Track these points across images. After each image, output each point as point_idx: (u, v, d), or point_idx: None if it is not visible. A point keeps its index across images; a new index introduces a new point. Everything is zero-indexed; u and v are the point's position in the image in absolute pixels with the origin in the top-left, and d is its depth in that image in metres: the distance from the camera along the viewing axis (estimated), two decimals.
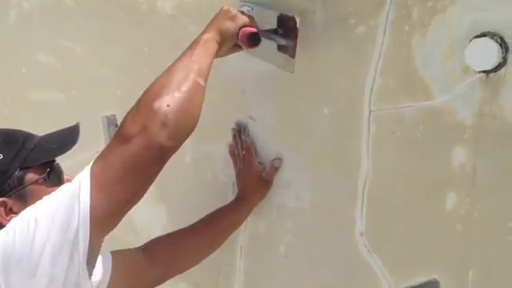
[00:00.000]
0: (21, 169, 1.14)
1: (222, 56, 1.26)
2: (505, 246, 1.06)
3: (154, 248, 1.32)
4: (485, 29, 1.04)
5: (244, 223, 1.50)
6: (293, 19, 1.28)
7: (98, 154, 1.05)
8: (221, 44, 1.20)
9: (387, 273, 1.24)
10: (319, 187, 1.35)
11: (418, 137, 1.15)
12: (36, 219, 1.01)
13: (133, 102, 1.73)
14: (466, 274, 1.11)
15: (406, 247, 1.21)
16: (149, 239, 1.36)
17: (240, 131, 1.48)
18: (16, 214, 1.11)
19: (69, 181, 1.21)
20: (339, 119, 1.29)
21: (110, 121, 1.82)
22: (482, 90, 1.06)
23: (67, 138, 1.23)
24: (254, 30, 1.22)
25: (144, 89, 1.69)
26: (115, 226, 1.08)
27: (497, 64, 1.03)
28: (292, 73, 1.30)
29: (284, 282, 1.44)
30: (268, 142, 1.43)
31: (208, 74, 1.16)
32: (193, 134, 1.62)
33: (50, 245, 0.99)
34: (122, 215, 1.08)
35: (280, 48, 1.31)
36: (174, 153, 1.06)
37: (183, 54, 1.16)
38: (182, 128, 1.07)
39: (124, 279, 1.24)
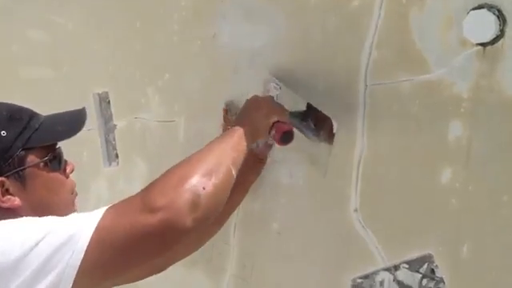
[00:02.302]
0: (23, 149, 1.10)
1: (253, 149, 1.24)
2: (499, 219, 1.06)
3: None
4: (482, 1, 1.03)
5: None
6: (329, 121, 1.25)
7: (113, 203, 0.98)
8: (254, 140, 1.19)
9: (381, 248, 1.23)
10: (313, 164, 1.34)
11: (413, 111, 1.15)
12: (26, 236, 0.95)
13: (125, 79, 1.73)
14: (460, 248, 1.11)
15: (401, 222, 1.20)
16: None
17: (227, 111, 1.47)
18: (12, 195, 1.09)
19: (70, 167, 1.19)
20: (334, 94, 1.27)
21: (102, 98, 1.81)
22: (479, 62, 1.05)
23: (74, 122, 1.19)
24: (286, 128, 1.21)
25: (136, 65, 1.69)
26: (105, 285, 1.00)
27: (494, 36, 1.02)
28: (323, 177, 1.28)
29: (277, 258, 1.43)
30: None
31: (239, 167, 1.12)
32: (186, 111, 1.62)
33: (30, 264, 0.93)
34: (108, 284, 1.00)
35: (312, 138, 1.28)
36: (188, 238, 0.98)
37: (220, 140, 1.13)
38: (208, 216, 1.01)
39: None
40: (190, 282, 1.61)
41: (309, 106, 1.29)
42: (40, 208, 1.09)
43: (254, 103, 1.24)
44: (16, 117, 1.12)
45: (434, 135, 1.12)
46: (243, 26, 1.42)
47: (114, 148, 1.80)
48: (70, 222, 0.98)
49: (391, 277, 1.22)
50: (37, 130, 1.12)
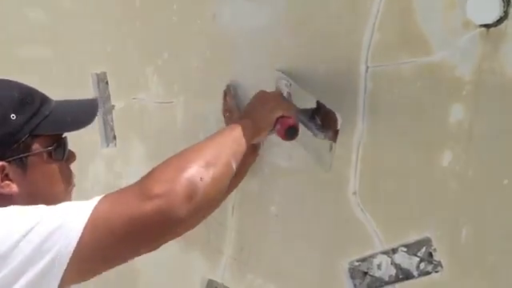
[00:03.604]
0: (30, 135, 1.07)
1: (255, 143, 1.23)
2: (499, 203, 1.05)
3: None
4: None
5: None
6: (333, 115, 1.23)
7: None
8: (257, 134, 1.17)
9: (380, 231, 1.23)
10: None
11: (415, 93, 1.13)
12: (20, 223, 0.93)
13: (123, 59, 1.72)
14: (459, 231, 1.10)
15: (400, 206, 1.20)
16: None
17: (226, 93, 1.45)
18: (11, 181, 1.06)
19: (73, 158, 1.17)
20: (335, 76, 1.26)
21: (100, 78, 1.79)
22: (482, 44, 1.04)
23: (84, 115, 1.16)
24: (291, 122, 1.19)
25: (135, 45, 1.67)
26: (92, 276, 0.99)
27: (498, 18, 1.00)
28: (327, 172, 1.27)
29: (275, 241, 1.43)
30: None
31: (240, 160, 1.10)
32: (185, 92, 1.60)
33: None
34: (99, 272, 0.99)
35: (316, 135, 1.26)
36: (183, 227, 0.98)
37: (222, 133, 1.12)
38: (204, 207, 1.00)
39: None
40: (187, 264, 1.61)
41: (318, 103, 1.27)
42: (36, 197, 1.07)
43: (261, 98, 1.23)
44: (27, 100, 1.08)
45: (435, 118, 1.11)
46: (243, 6, 1.41)
47: (112, 129, 1.79)
48: (63, 209, 0.96)
49: (389, 260, 1.22)
50: (47, 117, 1.09)
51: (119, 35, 1.71)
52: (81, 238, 0.91)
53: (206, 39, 1.50)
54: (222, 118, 1.49)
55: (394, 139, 1.19)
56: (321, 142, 1.27)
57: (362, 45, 1.19)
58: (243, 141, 1.12)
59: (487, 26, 1.02)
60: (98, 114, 1.78)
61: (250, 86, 1.41)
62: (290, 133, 1.20)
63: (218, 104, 1.50)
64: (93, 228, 0.92)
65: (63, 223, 0.92)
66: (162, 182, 0.95)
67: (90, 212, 0.93)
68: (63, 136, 1.14)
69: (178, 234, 0.99)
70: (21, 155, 1.06)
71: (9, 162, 1.05)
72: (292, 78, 1.30)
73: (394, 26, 1.15)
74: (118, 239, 0.93)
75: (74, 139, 1.83)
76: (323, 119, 1.27)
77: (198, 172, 0.98)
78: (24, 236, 0.91)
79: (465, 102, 1.07)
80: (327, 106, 1.26)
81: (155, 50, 1.62)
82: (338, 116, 1.24)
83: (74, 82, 1.81)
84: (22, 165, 1.07)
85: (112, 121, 1.79)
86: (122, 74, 1.74)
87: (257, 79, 1.41)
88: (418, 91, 1.13)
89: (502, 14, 1.00)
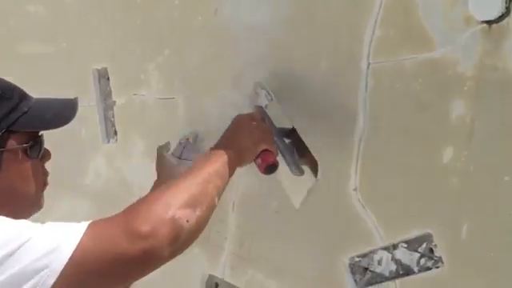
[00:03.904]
0: (6, 130, 1.04)
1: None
2: (500, 200, 1.05)
3: None
4: None
5: (237, 179, 1.49)
6: (313, 158, 1.28)
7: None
8: (239, 165, 1.18)
9: (380, 227, 1.23)
10: (314, 142, 1.33)
11: (416, 90, 1.13)
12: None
13: (124, 55, 1.71)
14: (459, 228, 1.10)
15: (400, 202, 1.20)
16: (140, 193, 1.34)
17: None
18: None
19: (48, 157, 1.14)
20: (337, 72, 1.26)
21: (101, 74, 1.79)
22: (484, 40, 1.04)
23: (63, 113, 1.14)
24: (273, 161, 1.22)
25: (136, 41, 1.67)
26: None
27: (500, 14, 1.01)
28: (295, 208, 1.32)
29: (276, 237, 1.43)
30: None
31: (221, 195, 1.11)
32: (185, 88, 1.60)
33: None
34: None
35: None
36: (162, 265, 0.97)
37: (208, 165, 1.10)
38: (187, 246, 1.01)
39: None
40: (187, 259, 1.60)
41: (293, 130, 1.31)
42: (8, 193, 1.05)
43: (246, 126, 1.22)
44: (7, 96, 1.06)
45: (436, 114, 1.11)
46: (245, 1, 1.40)
47: (113, 124, 1.79)
48: (50, 234, 0.92)
49: (389, 256, 1.22)
50: (25, 113, 1.07)
51: (120, 31, 1.71)
52: (63, 270, 0.89)
53: (207, 35, 1.50)
54: (223, 115, 1.49)
55: (395, 135, 1.19)
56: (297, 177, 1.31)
57: (363, 41, 1.19)
58: (227, 175, 1.13)
59: (489, 22, 1.02)
60: (98, 109, 1.80)
61: (250, 81, 1.42)
62: (270, 169, 1.23)
63: (218, 98, 1.50)
64: (78, 259, 0.90)
65: (51, 249, 0.90)
66: (148, 222, 0.94)
67: (79, 240, 0.91)
68: (40, 134, 1.13)
69: (152, 271, 0.99)
70: None
71: None
72: (272, 91, 1.34)
73: (395, 22, 1.15)
74: (100, 273, 0.93)
75: (74, 135, 1.83)
76: (300, 156, 1.31)
77: (184, 214, 0.98)
78: (8, 256, 0.89)
79: (466, 99, 1.07)
80: (303, 141, 1.30)
81: (156, 45, 1.62)
82: (317, 159, 1.29)
83: (74, 78, 1.81)
84: None
85: (113, 116, 1.79)
86: (123, 70, 1.74)
87: (255, 74, 1.41)
88: (419, 87, 1.13)
89: (504, 11, 1.01)
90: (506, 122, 1.04)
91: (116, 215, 0.97)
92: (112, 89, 1.77)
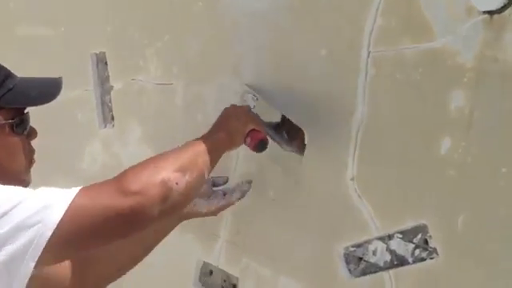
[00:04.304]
0: None
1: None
2: (497, 191, 1.05)
3: None
4: None
5: (234, 167, 1.49)
6: (301, 133, 1.31)
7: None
8: (231, 146, 1.24)
9: (376, 217, 1.23)
10: (312, 131, 1.33)
11: (416, 80, 1.13)
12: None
13: (123, 39, 1.70)
14: (455, 219, 1.10)
15: (397, 192, 1.20)
16: None
17: None
18: None
19: (34, 135, 1.17)
20: (337, 61, 1.26)
21: (100, 58, 1.78)
22: (485, 31, 1.03)
23: (48, 90, 1.17)
24: (262, 136, 1.27)
25: (135, 26, 1.66)
26: (59, 262, 1.07)
27: (502, 4, 1.00)
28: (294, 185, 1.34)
29: (272, 225, 1.43)
30: (260, 84, 1.40)
31: (211, 171, 1.17)
32: (184, 74, 1.59)
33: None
34: (72, 257, 1.08)
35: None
36: (150, 226, 1.04)
37: (198, 142, 1.16)
38: (175, 210, 1.06)
39: None
40: (182, 246, 1.61)
41: (283, 117, 1.34)
42: None
43: (233, 112, 1.28)
44: None
45: (435, 105, 1.11)
46: None
47: (110, 110, 1.78)
48: (43, 194, 0.99)
49: (384, 246, 1.22)
50: (10, 90, 1.10)
51: (120, 15, 1.69)
52: (60, 223, 0.94)
53: (207, 21, 1.49)
54: (222, 102, 1.49)
55: (393, 125, 1.18)
56: (288, 155, 1.35)
57: (364, 29, 1.19)
58: (217, 153, 1.19)
59: (491, 12, 1.02)
60: (96, 94, 1.79)
61: (250, 68, 1.41)
62: (261, 146, 1.28)
63: (215, 85, 1.50)
64: (72, 214, 0.95)
65: (45, 206, 0.95)
66: (139, 181, 0.99)
67: (71, 199, 0.96)
68: (26, 111, 1.15)
69: (144, 230, 1.04)
70: None
71: None
72: (259, 93, 1.36)
73: (397, 11, 1.14)
74: (93, 228, 0.97)
75: (70, 119, 1.83)
76: (289, 132, 1.34)
77: (174, 176, 1.03)
78: (4, 214, 0.94)
79: (466, 89, 1.07)
80: (293, 122, 1.33)
81: (156, 31, 1.61)
82: (305, 132, 1.30)
83: (73, 62, 1.80)
84: None
85: (110, 102, 1.78)
86: (122, 55, 1.73)
87: (256, 62, 1.40)
88: (419, 77, 1.13)
89: (506, 1, 1.00)
90: (505, 113, 1.04)
91: (107, 179, 1.03)
92: (110, 74, 1.76)
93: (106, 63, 1.76)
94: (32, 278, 0.95)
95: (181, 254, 1.56)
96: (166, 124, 1.64)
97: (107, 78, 1.76)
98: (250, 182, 1.38)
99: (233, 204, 1.38)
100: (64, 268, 1.23)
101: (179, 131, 1.60)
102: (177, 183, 1.03)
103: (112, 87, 1.76)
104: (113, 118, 1.78)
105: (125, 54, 1.71)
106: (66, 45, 1.85)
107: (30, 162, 1.17)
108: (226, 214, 1.51)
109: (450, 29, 1.07)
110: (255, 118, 1.31)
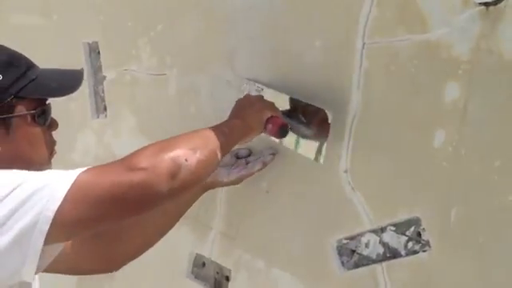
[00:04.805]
0: (15, 97, 1.08)
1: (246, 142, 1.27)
2: (490, 184, 1.05)
3: None
4: None
5: None
6: (321, 113, 1.26)
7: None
8: (248, 133, 1.23)
9: (369, 210, 1.22)
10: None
11: (411, 71, 1.12)
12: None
13: (116, 29, 1.69)
14: (448, 212, 1.10)
15: (390, 185, 1.19)
16: None
17: None
18: None
19: (55, 126, 1.18)
20: (331, 52, 1.25)
21: (92, 48, 1.77)
22: (480, 23, 1.02)
23: (69, 82, 1.18)
24: (282, 122, 1.25)
25: (128, 15, 1.64)
26: (69, 239, 1.08)
27: None
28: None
29: (265, 217, 1.42)
30: (256, 75, 1.39)
31: (225, 155, 1.16)
32: (178, 64, 1.58)
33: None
34: (82, 234, 1.06)
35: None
36: (161, 205, 1.03)
37: (211, 128, 1.14)
38: (185, 188, 1.04)
39: None
40: (175, 238, 1.60)
41: (292, 100, 1.31)
42: (17, 159, 1.09)
43: (247, 101, 1.28)
44: (15, 63, 1.10)
45: (430, 97, 1.10)
46: None
47: (103, 100, 1.77)
48: (48, 173, 1.00)
49: (377, 238, 1.22)
50: (32, 80, 1.11)
51: (113, 4, 1.68)
52: (64, 199, 0.94)
53: (201, 11, 1.48)
54: (215, 93, 1.48)
55: (387, 117, 1.18)
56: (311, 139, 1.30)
57: (359, 20, 1.18)
58: (232, 137, 1.17)
59: (487, 4, 1.01)
60: (89, 84, 1.77)
61: (244, 59, 1.39)
62: (282, 131, 1.26)
63: (209, 76, 1.48)
64: (77, 190, 0.95)
65: (48, 183, 0.96)
66: (147, 158, 0.99)
67: (75, 177, 0.97)
68: (47, 102, 1.16)
69: (153, 209, 1.03)
70: (4, 115, 1.08)
71: None
72: (262, 83, 1.34)
73: (392, 2, 1.14)
74: (99, 204, 0.96)
75: (62, 109, 1.81)
76: (305, 115, 1.30)
77: (183, 153, 1.02)
78: (9, 193, 0.95)
79: (461, 81, 1.06)
80: (310, 103, 1.27)
81: (149, 20, 1.59)
82: (329, 112, 1.25)
83: (65, 51, 1.78)
84: (6, 125, 1.08)
85: (103, 91, 1.76)
86: (115, 45, 1.71)
87: (250, 53, 1.39)
88: (414, 69, 1.12)
89: None
90: (499, 106, 1.03)
91: (114, 160, 1.03)
92: (102, 63, 1.74)
93: (98, 53, 1.74)
94: (54, 261, 0.99)
95: (173, 245, 1.55)
96: (159, 114, 1.63)
97: (99, 67, 1.75)
98: (273, 154, 1.35)
99: (253, 174, 1.35)
100: (88, 247, 1.24)
101: (172, 122, 1.59)
102: (186, 159, 1.01)
103: (105, 77, 1.75)
104: (105, 109, 1.76)
105: (117, 43, 1.70)
106: (59, 34, 1.83)
107: (51, 152, 1.17)
108: (219, 205, 1.51)
109: (446, 20, 1.06)
110: (270, 104, 1.28)
